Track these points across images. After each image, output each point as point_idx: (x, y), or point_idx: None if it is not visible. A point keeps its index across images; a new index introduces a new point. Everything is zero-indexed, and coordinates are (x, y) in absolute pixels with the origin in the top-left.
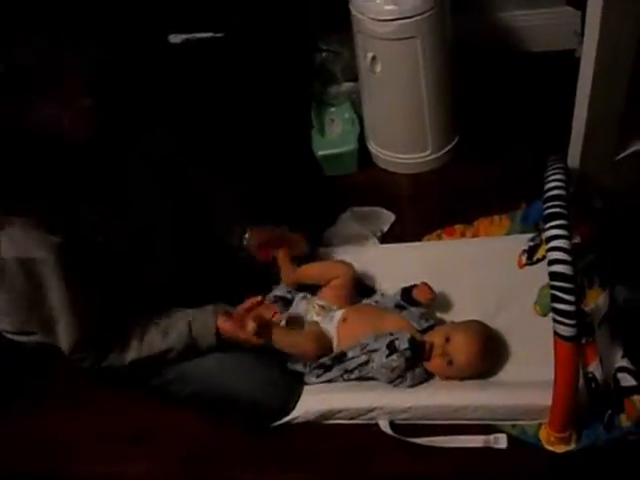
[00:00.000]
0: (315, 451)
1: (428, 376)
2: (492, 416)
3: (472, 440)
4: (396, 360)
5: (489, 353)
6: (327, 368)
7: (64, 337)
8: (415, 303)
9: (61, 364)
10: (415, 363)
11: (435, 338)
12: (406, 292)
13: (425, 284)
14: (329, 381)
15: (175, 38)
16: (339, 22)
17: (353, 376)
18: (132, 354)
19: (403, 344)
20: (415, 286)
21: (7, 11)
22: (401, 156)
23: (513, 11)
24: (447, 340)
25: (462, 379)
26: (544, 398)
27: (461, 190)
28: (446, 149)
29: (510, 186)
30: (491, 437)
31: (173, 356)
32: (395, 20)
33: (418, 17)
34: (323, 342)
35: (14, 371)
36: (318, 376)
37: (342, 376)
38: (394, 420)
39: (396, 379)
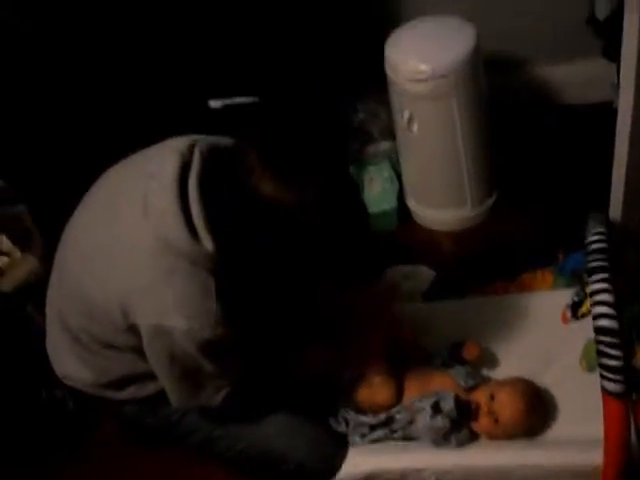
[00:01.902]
0: None
1: (474, 437)
2: (541, 476)
3: None
4: (441, 421)
5: (535, 411)
6: (372, 428)
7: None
8: (462, 361)
9: (103, 426)
10: (461, 424)
11: (480, 397)
12: (454, 349)
13: (473, 342)
14: (374, 441)
15: (215, 103)
16: (375, 83)
17: (397, 436)
18: None
19: (448, 405)
20: (463, 344)
21: None
22: (441, 213)
23: (548, 65)
24: (492, 398)
25: (509, 438)
26: (595, 457)
27: (502, 245)
28: (485, 205)
29: (552, 240)
30: None
31: None
32: (430, 79)
33: (452, 76)
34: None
35: (54, 431)
36: (363, 436)
37: (387, 436)
38: None
39: (441, 440)
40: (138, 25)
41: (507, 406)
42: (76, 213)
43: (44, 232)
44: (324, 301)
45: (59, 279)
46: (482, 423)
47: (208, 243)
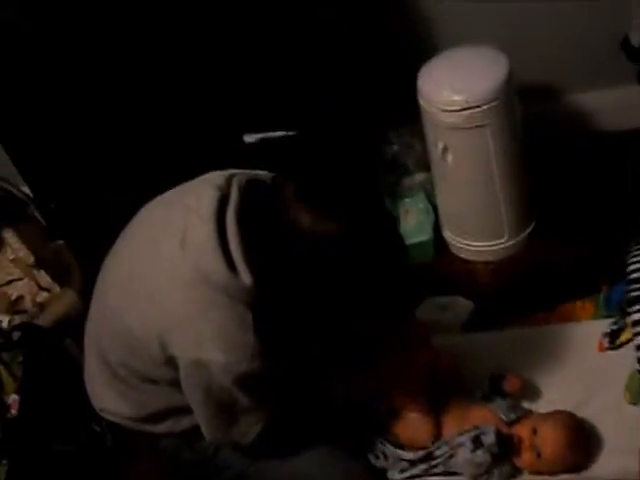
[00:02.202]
0: None
1: (516, 472)
2: None
3: None
4: (481, 456)
5: (578, 444)
6: (412, 463)
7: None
8: (503, 393)
9: (141, 461)
10: (502, 458)
11: (522, 431)
12: (494, 382)
13: (515, 375)
14: (412, 477)
15: (249, 137)
16: (409, 114)
17: (437, 470)
18: None
19: (489, 439)
20: (504, 376)
21: None
22: (477, 244)
23: (582, 93)
24: (534, 432)
25: (552, 474)
26: None
27: (541, 276)
28: (523, 235)
29: (591, 269)
30: None
31: None
32: (463, 110)
33: (486, 106)
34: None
35: (92, 466)
36: (402, 471)
37: (427, 471)
38: None
39: (482, 475)
40: (173, 59)
41: (550, 441)
42: (115, 247)
43: (83, 267)
44: (361, 332)
45: (98, 313)
46: (524, 458)
47: (246, 277)
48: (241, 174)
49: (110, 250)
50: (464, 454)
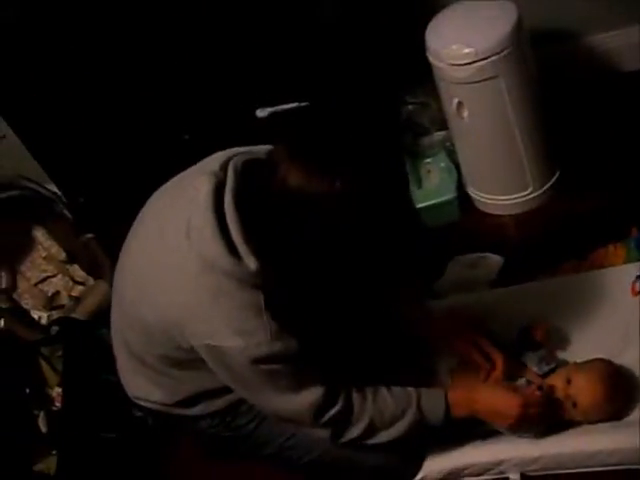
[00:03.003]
0: None
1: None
2: (631, 459)
3: None
4: None
5: (615, 392)
6: None
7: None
8: (534, 344)
9: (183, 443)
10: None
11: (556, 381)
12: (523, 334)
13: (543, 323)
14: None
15: (262, 112)
16: (422, 73)
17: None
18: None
19: None
20: (532, 327)
21: None
22: (503, 197)
23: (597, 34)
24: (569, 382)
25: (591, 422)
26: None
27: (569, 224)
28: (548, 184)
29: (621, 213)
30: None
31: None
32: (474, 63)
33: (496, 56)
34: None
35: (135, 450)
36: None
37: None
38: (525, 472)
39: (519, 430)
40: (184, 38)
41: (584, 390)
42: (127, 240)
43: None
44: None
45: (117, 304)
46: (565, 409)
47: (250, 260)
48: (239, 155)
49: (124, 242)
50: None
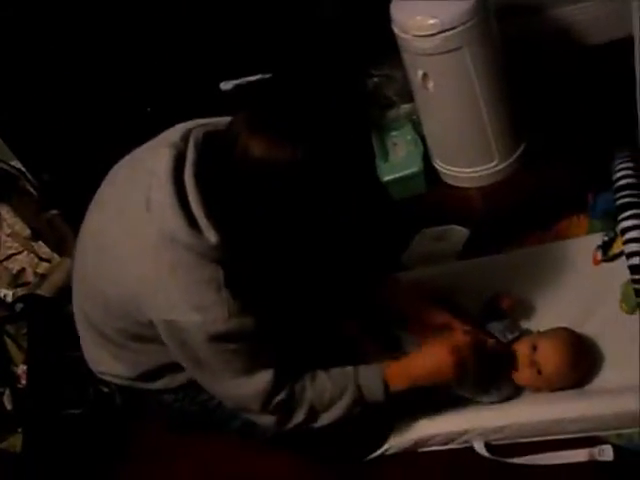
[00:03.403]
0: None
1: (517, 390)
2: (593, 427)
3: (575, 455)
4: None
5: (579, 360)
6: None
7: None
8: (500, 314)
9: (150, 419)
10: (499, 376)
11: (522, 348)
12: (489, 304)
13: (508, 293)
14: None
15: (226, 85)
16: (387, 45)
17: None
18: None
19: None
20: (498, 296)
21: None
22: (468, 170)
23: (563, 7)
24: (534, 349)
25: (553, 390)
26: None
27: (534, 196)
28: (513, 157)
29: (585, 184)
30: (595, 450)
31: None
32: (438, 34)
33: (461, 27)
34: None
35: (103, 426)
36: None
37: None
38: (490, 441)
39: (482, 394)
40: (145, 10)
41: (550, 357)
42: (88, 213)
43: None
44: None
45: (77, 277)
46: (524, 375)
47: (211, 234)
48: (200, 127)
49: (85, 215)
50: None
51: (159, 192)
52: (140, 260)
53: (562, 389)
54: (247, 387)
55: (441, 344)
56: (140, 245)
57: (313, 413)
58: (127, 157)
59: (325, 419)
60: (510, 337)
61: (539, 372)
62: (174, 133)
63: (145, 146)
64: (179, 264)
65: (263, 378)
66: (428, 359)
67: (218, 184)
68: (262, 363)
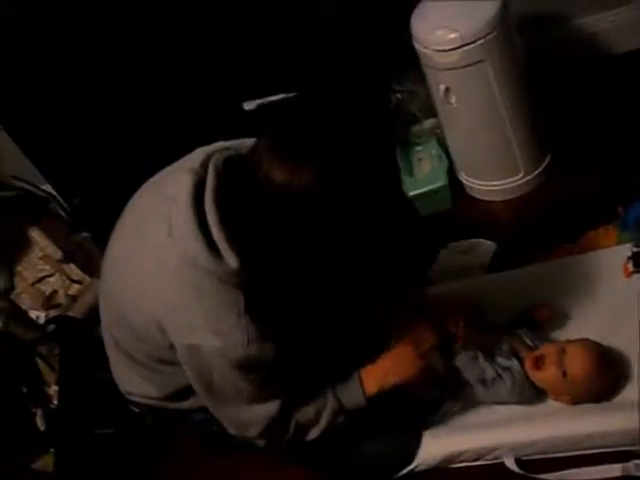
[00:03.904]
0: None
1: (538, 392)
2: (627, 441)
3: (608, 470)
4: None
5: (605, 371)
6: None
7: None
8: (533, 325)
9: (183, 439)
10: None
11: (551, 348)
12: (524, 314)
13: (546, 304)
14: None
15: (249, 105)
16: (409, 61)
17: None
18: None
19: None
20: (534, 307)
21: None
22: (494, 183)
23: (584, 17)
24: (563, 351)
25: (573, 398)
26: None
27: (561, 208)
28: (539, 169)
29: (612, 195)
30: (630, 464)
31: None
32: (459, 48)
33: (481, 40)
34: None
35: (135, 447)
36: None
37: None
38: (520, 457)
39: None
40: (168, 31)
41: (579, 362)
42: (111, 238)
43: None
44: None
45: (104, 302)
46: (549, 372)
47: (231, 259)
48: (220, 152)
49: (109, 239)
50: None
51: (179, 218)
52: (162, 285)
53: (582, 401)
54: (251, 415)
55: (405, 342)
56: (162, 270)
57: (301, 429)
58: (148, 182)
59: (313, 433)
60: (538, 344)
61: (564, 374)
62: (194, 158)
63: (165, 171)
64: (200, 289)
65: (269, 408)
66: (393, 357)
67: (240, 210)
68: (272, 393)
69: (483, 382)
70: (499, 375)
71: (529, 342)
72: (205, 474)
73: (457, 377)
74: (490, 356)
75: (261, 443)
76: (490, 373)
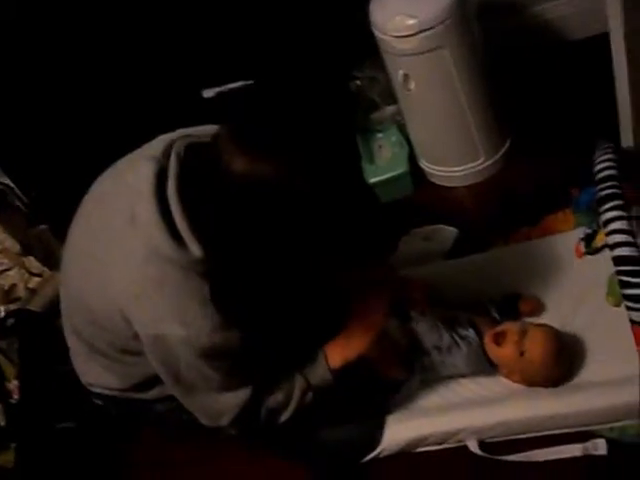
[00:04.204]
0: None
1: (491, 366)
2: (586, 421)
3: (569, 450)
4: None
5: (562, 360)
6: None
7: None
8: (515, 314)
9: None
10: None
11: (513, 327)
12: (508, 302)
13: (530, 296)
14: None
15: (208, 93)
16: (368, 47)
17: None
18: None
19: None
20: (519, 296)
21: None
22: (454, 169)
23: (543, 4)
24: (524, 333)
25: (526, 380)
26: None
27: (521, 192)
28: (499, 154)
29: (571, 179)
30: (589, 444)
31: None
32: (417, 34)
33: (440, 26)
34: None
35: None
36: None
37: None
38: (483, 439)
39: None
40: (125, 19)
41: (539, 345)
42: (71, 227)
43: None
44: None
45: (65, 292)
46: (507, 350)
47: (195, 248)
48: (182, 139)
49: (69, 229)
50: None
51: (142, 207)
52: (125, 274)
53: (532, 384)
54: (222, 404)
55: (361, 313)
56: (125, 259)
57: (272, 414)
58: (108, 170)
59: (284, 416)
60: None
61: (522, 353)
62: (155, 146)
63: (126, 159)
64: (164, 278)
65: (239, 396)
66: (352, 331)
67: (202, 197)
68: (241, 381)
69: (439, 349)
70: (456, 343)
71: (494, 314)
72: (171, 465)
73: (415, 344)
74: (449, 325)
75: (233, 431)
76: (447, 340)
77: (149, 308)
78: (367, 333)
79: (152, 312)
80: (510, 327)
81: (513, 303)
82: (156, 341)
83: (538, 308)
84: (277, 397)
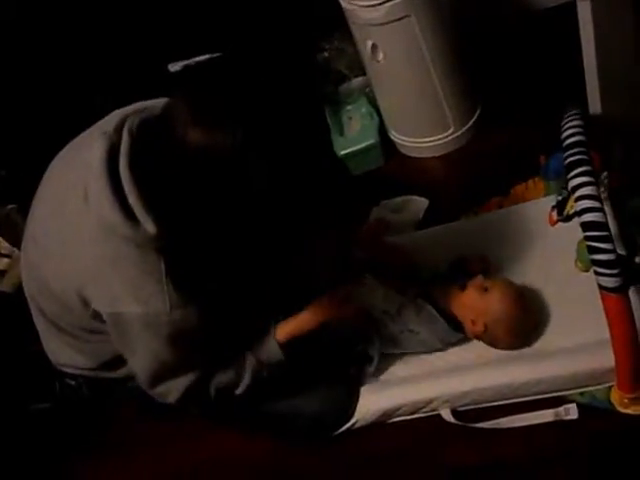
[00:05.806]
0: (382, 452)
1: (450, 328)
2: (557, 387)
3: (541, 415)
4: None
5: (526, 304)
6: None
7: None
8: (467, 274)
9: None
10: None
11: (475, 281)
12: (456, 265)
13: (477, 255)
14: None
15: (174, 66)
16: (336, 18)
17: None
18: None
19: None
20: (465, 258)
21: None
22: (424, 140)
23: None
24: (485, 290)
25: (490, 338)
26: (609, 359)
27: (491, 162)
28: (469, 124)
29: (541, 148)
30: (561, 409)
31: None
32: (384, 3)
33: None
34: None
35: (73, 419)
36: None
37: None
38: (456, 407)
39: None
40: None
41: (502, 282)
42: (32, 205)
43: None
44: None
45: (26, 271)
46: (470, 291)
47: (148, 224)
48: (135, 115)
49: (30, 207)
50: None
51: (94, 185)
52: (80, 253)
53: (500, 333)
54: (171, 382)
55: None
56: (80, 238)
57: (223, 390)
58: (66, 148)
59: (238, 391)
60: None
61: (485, 290)
62: (109, 122)
63: (80, 136)
64: (119, 256)
65: (189, 377)
66: (309, 310)
67: (156, 173)
68: (191, 363)
69: (388, 313)
70: (404, 305)
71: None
72: (145, 442)
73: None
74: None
75: (178, 405)
76: (396, 304)
77: (105, 287)
78: (320, 313)
79: (108, 291)
80: (472, 281)
81: (461, 267)
82: (113, 319)
83: (487, 264)
84: (227, 376)
